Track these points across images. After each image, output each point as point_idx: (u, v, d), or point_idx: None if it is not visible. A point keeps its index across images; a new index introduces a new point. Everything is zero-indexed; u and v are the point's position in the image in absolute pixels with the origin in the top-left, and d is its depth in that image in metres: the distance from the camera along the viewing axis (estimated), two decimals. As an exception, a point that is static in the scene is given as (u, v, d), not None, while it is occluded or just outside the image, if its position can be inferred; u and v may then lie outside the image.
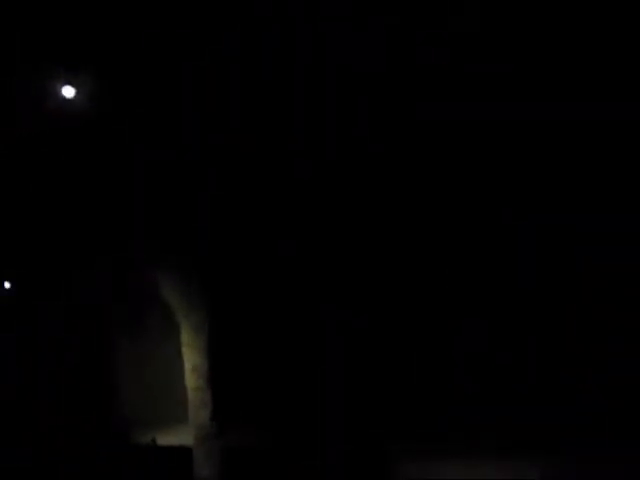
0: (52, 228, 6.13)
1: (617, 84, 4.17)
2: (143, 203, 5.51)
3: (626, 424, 4.34)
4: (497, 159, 4.80)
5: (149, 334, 7.40)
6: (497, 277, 5.02)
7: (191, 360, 5.78)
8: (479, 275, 5.12)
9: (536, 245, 4.90)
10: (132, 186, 5.33)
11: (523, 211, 4.86)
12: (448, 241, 5.10)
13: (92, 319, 7.07)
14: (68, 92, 4.32)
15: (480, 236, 5.03)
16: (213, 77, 4.47)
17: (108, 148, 5.04)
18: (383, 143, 4.74)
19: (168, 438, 6.37)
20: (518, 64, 4.40)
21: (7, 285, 6.88)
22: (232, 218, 5.41)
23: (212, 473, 5.60)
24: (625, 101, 4.16)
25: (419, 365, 5.29)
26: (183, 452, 5.97)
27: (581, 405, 4.51)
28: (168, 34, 4.29)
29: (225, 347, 5.75)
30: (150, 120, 4.69)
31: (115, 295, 7.20)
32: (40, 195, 5.65)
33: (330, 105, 4.77)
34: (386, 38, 4.41)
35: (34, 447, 6.50)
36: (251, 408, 5.69)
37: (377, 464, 5.32)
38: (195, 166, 5.20)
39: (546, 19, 4.18)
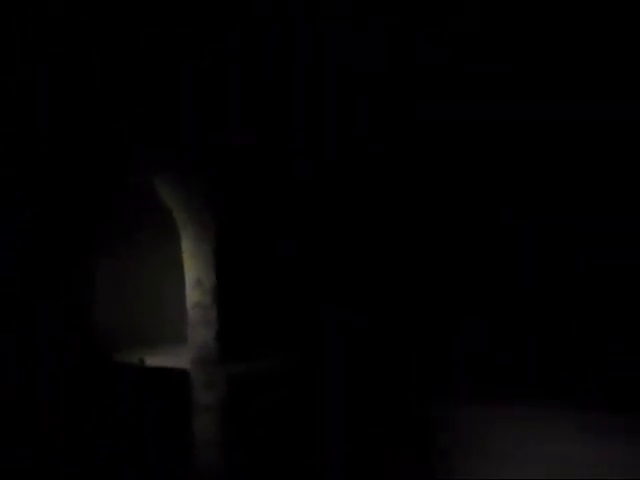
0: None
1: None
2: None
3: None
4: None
5: (138, 249, 6.52)
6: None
7: (194, 272, 5.00)
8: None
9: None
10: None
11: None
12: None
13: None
14: None
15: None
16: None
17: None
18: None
19: (158, 359, 5.61)
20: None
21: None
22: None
23: (214, 401, 4.93)
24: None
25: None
26: (178, 375, 5.26)
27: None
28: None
29: (234, 261, 4.96)
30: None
31: (99, 215, 6.27)
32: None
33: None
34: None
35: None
36: (259, 332, 4.94)
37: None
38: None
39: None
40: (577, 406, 4.09)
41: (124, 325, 6.29)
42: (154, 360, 5.60)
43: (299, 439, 4.84)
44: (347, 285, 5.08)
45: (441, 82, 4.82)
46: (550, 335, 4.63)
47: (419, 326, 4.94)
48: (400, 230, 4.98)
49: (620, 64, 4.29)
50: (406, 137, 4.86)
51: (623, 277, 4.49)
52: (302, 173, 4.95)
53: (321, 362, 4.90)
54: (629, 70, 4.29)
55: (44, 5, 4.67)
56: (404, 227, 4.95)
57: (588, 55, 4.39)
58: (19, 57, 4.50)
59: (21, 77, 4.49)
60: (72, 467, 5.77)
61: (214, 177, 4.77)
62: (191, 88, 4.58)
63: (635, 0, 4.11)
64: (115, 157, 4.82)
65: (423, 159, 4.90)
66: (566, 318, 4.63)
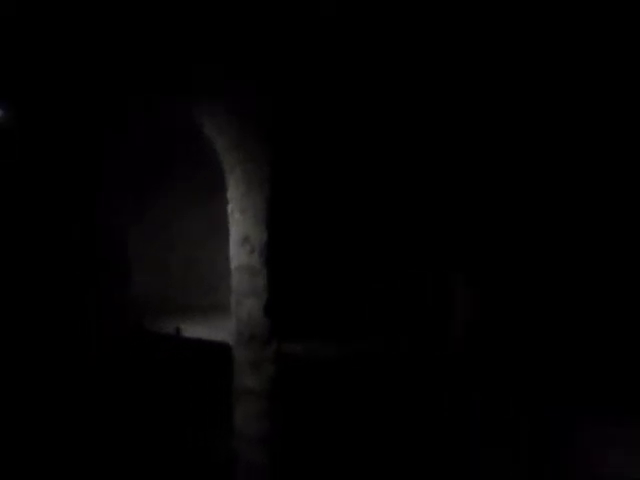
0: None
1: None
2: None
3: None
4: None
5: (173, 203, 5.65)
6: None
7: (241, 228, 4.10)
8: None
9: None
10: None
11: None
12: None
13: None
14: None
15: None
16: None
17: None
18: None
19: (197, 329, 4.75)
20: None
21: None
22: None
23: (259, 384, 4.04)
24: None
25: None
26: (219, 350, 4.39)
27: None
28: None
29: (291, 216, 4.02)
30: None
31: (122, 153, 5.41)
32: None
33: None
34: None
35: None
36: (318, 306, 3.98)
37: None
38: None
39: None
40: None
41: (159, 290, 5.46)
42: (192, 331, 4.75)
43: (367, 443, 3.90)
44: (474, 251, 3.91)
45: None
46: None
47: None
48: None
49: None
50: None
51: None
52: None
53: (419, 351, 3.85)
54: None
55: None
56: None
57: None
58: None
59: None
60: (94, 445, 5.04)
61: (277, 107, 3.82)
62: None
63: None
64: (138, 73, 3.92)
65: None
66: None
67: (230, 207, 4.17)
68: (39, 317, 4.97)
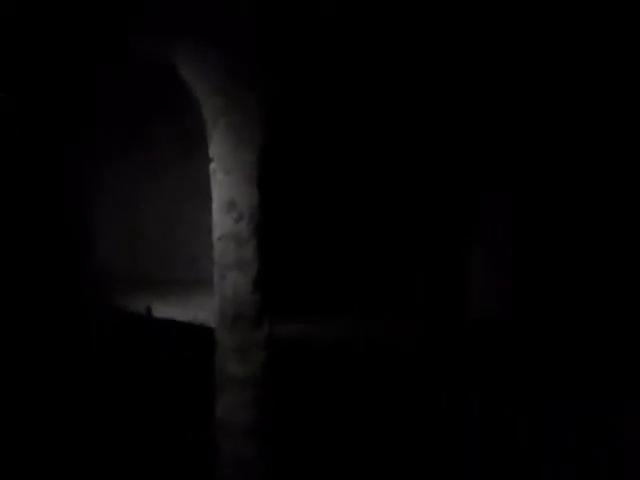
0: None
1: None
2: None
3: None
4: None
5: (146, 167, 5.03)
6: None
7: (226, 190, 3.50)
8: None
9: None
10: None
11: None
12: None
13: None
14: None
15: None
16: None
17: None
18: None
19: (171, 310, 4.17)
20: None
21: None
22: None
23: (248, 371, 3.50)
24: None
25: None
26: (198, 333, 3.83)
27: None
28: None
29: (283, 178, 3.46)
30: None
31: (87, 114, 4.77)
32: None
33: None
34: None
35: None
36: (313, 281, 3.45)
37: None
38: None
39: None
40: None
41: (128, 263, 4.85)
42: (166, 311, 4.18)
43: (364, 436, 3.41)
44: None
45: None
46: None
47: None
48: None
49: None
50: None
51: None
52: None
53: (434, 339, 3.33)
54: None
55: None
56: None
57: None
58: None
59: None
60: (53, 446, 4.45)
61: (270, 48, 3.22)
62: None
63: None
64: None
65: None
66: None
67: (212, 167, 3.57)
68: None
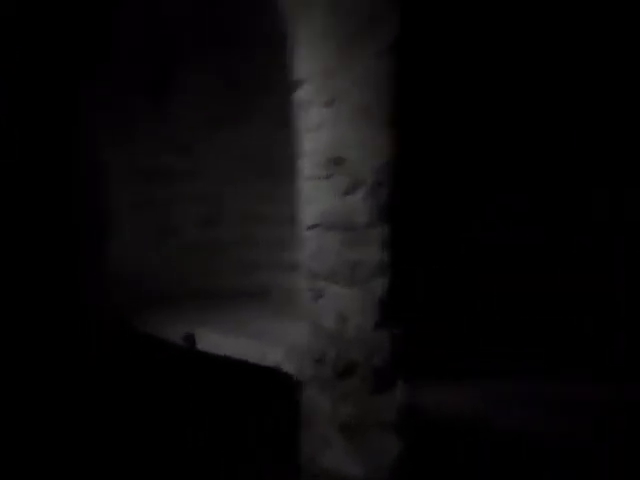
0: None
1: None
2: None
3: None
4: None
5: (179, 111, 3.54)
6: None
7: (327, 136, 1.93)
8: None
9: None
10: None
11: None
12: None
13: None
14: None
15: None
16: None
17: None
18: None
19: (220, 340, 2.62)
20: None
21: None
22: None
23: (364, 473, 1.92)
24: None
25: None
26: (266, 383, 2.29)
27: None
28: None
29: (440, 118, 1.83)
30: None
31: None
32: None
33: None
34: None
35: None
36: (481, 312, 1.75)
37: None
38: None
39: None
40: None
41: (159, 265, 3.33)
42: (214, 341, 2.64)
43: None
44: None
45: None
46: None
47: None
48: None
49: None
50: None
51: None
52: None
53: None
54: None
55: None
56: None
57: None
58: None
59: None
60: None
61: None
62: None
63: None
64: None
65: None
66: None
67: (300, 96, 2.00)
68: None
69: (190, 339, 2.72)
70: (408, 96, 1.74)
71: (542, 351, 1.89)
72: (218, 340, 2.60)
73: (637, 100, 1.80)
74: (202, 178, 3.46)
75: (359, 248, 1.85)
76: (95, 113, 3.28)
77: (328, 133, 1.89)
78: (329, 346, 1.96)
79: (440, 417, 1.74)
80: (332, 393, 1.95)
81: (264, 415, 2.31)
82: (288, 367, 2.24)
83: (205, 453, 2.73)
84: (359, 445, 1.88)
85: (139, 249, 3.31)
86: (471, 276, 1.83)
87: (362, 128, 1.81)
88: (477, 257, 1.84)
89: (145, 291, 3.22)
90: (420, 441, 1.78)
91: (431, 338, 1.83)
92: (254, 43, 3.08)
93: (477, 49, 1.76)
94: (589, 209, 1.84)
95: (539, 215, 1.83)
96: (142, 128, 3.31)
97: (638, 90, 1.79)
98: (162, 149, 3.41)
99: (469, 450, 1.73)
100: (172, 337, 2.82)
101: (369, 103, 1.79)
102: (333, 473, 1.94)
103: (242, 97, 3.33)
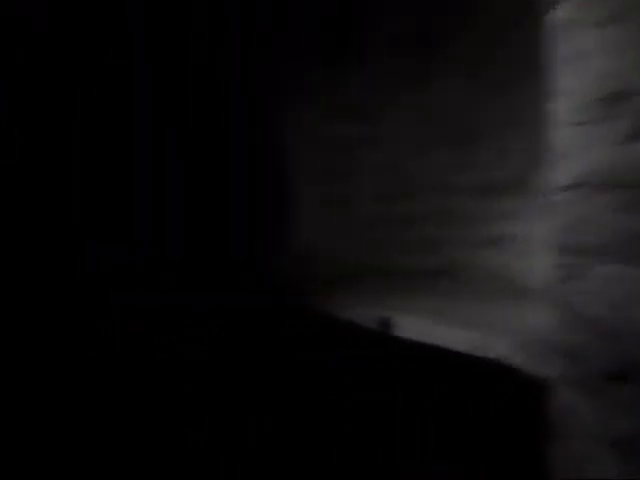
0: None
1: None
2: None
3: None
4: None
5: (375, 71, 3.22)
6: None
7: (602, 63, 1.51)
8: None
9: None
10: None
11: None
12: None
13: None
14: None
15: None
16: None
17: None
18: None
19: (425, 327, 2.26)
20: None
21: None
22: None
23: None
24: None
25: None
26: (487, 380, 1.90)
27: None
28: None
29: None
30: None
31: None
32: None
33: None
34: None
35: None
36: None
37: None
38: None
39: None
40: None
41: (336, 247, 3.04)
42: (417, 327, 2.29)
43: None
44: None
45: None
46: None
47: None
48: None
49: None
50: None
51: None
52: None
53: None
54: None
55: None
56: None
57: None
58: None
59: None
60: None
61: None
62: None
63: None
64: None
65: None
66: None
67: (558, 16, 1.56)
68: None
69: (386, 324, 2.38)
70: None
71: None
72: (422, 326, 2.24)
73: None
74: (384, 147, 3.10)
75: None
76: (270, 81, 3.02)
77: (602, 62, 1.43)
78: (594, 340, 1.53)
79: None
80: (599, 400, 1.52)
81: (487, 414, 1.93)
82: (520, 362, 1.83)
83: (411, 454, 2.39)
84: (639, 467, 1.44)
85: (316, 225, 3.02)
86: None
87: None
88: None
89: (322, 269, 2.93)
90: None
91: None
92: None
93: None
94: None
95: None
96: (318, 95, 3.01)
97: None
98: (339, 117, 3.09)
99: None
100: (361, 320, 2.50)
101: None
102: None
103: (430, 55, 2.92)
